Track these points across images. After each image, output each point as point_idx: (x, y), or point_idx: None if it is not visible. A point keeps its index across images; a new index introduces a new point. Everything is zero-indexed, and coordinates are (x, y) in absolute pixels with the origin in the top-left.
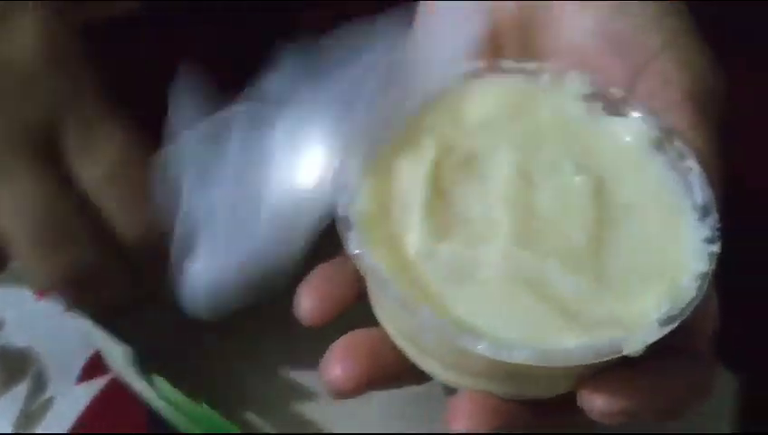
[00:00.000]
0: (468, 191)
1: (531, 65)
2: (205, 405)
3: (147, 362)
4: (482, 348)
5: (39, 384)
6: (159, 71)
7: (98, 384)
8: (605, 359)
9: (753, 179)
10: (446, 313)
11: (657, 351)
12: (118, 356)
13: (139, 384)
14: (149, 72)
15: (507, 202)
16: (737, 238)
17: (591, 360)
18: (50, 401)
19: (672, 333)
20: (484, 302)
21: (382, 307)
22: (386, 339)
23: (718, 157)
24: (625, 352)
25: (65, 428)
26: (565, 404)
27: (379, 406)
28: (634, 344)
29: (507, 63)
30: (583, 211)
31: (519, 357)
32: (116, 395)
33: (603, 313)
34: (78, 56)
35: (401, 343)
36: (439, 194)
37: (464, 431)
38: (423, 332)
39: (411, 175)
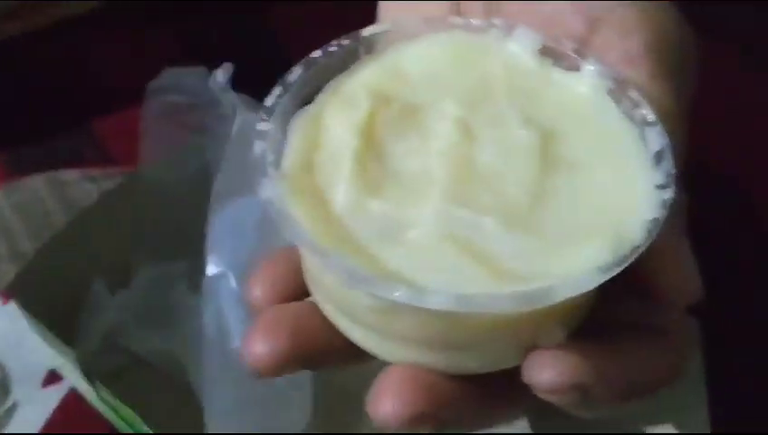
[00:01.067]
0: (405, 145)
1: (477, 21)
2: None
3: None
4: (398, 295)
5: (3, 390)
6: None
7: (65, 387)
8: (533, 306)
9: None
10: (373, 270)
11: (619, 325)
12: (65, 359)
13: (82, 386)
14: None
15: (444, 157)
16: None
17: (517, 307)
18: (14, 407)
19: (641, 307)
20: (411, 261)
21: (306, 267)
22: (315, 311)
23: (680, 108)
24: (557, 299)
25: (34, 431)
26: (514, 384)
27: None
28: (567, 290)
29: (453, 20)
30: (525, 166)
31: (437, 302)
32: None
33: (538, 268)
34: None
35: (330, 312)
36: (373, 147)
37: (389, 414)
38: (336, 281)
39: (344, 126)
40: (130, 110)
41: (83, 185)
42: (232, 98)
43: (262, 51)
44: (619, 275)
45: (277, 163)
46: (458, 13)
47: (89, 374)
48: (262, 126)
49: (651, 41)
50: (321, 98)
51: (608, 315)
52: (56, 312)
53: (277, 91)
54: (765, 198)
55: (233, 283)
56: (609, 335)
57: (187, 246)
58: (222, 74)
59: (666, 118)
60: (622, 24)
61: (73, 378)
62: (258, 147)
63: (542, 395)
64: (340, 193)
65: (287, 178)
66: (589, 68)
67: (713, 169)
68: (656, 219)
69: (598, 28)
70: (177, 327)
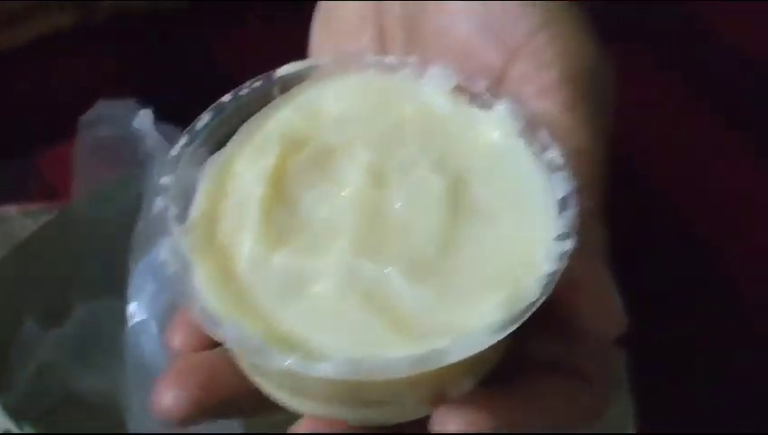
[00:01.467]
0: (315, 192)
1: (392, 59)
2: None
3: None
4: (288, 363)
5: None
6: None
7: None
8: (426, 369)
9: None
10: (272, 330)
11: (536, 367)
12: None
13: (10, 427)
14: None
15: (353, 205)
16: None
17: (410, 371)
18: None
19: (561, 348)
20: (311, 319)
21: None
22: (228, 360)
23: (597, 138)
24: (448, 362)
25: None
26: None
27: None
28: (458, 353)
29: (368, 58)
30: (435, 214)
31: (326, 370)
32: None
33: (440, 324)
34: None
35: (242, 363)
36: (282, 195)
37: None
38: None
39: (253, 173)
40: (68, 137)
41: (21, 221)
42: (154, 142)
43: (204, 81)
44: (537, 316)
45: (182, 216)
46: (382, 41)
47: (16, 414)
48: (164, 180)
49: (567, 72)
50: (232, 143)
51: (525, 358)
52: None
53: (183, 140)
54: (691, 207)
55: (154, 330)
56: (523, 380)
57: (122, 282)
58: (144, 119)
59: (579, 149)
60: (538, 56)
61: (2, 420)
62: (159, 203)
63: None
64: (245, 247)
65: (191, 231)
66: (501, 108)
67: (638, 178)
68: (553, 273)
69: (514, 60)
70: (113, 364)
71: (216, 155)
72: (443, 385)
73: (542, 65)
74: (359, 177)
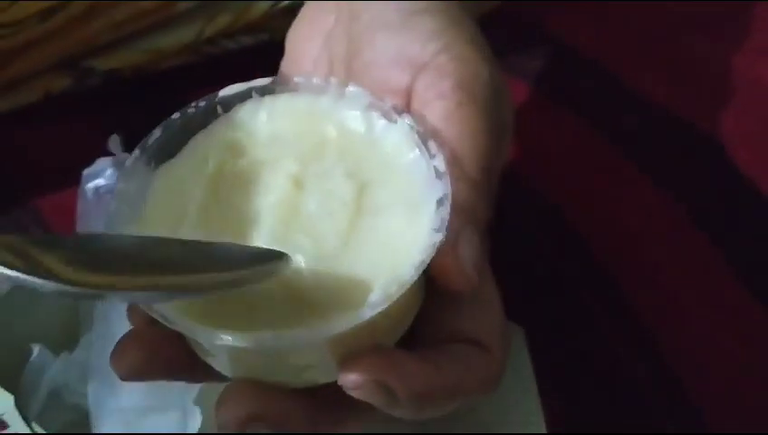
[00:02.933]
0: (246, 196)
1: (318, 81)
2: None
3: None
4: (216, 338)
5: None
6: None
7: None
8: (321, 339)
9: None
10: (199, 312)
11: (445, 339)
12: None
13: (21, 427)
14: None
15: (275, 205)
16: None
17: (296, 345)
18: None
19: (471, 324)
20: (234, 298)
21: None
22: (175, 335)
23: (489, 129)
24: (336, 332)
25: None
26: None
27: None
28: (338, 327)
29: (298, 79)
30: (341, 214)
31: (236, 341)
32: None
33: (337, 302)
34: None
35: (186, 339)
36: (218, 196)
37: (228, 417)
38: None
39: (194, 179)
40: (70, 189)
41: None
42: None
43: None
44: (441, 295)
45: (133, 217)
46: (332, 71)
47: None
48: (120, 187)
49: (461, 80)
50: (180, 154)
51: (432, 332)
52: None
53: (136, 153)
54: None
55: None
56: (429, 347)
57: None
58: (114, 142)
59: (472, 133)
60: (439, 70)
61: (15, 424)
62: (113, 205)
63: (350, 393)
64: (186, 236)
65: (140, 226)
66: (403, 122)
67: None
68: (423, 261)
69: (419, 75)
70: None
71: (166, 164)
72: (351, 349)
73: (441, 76)
74: (282, 183)
